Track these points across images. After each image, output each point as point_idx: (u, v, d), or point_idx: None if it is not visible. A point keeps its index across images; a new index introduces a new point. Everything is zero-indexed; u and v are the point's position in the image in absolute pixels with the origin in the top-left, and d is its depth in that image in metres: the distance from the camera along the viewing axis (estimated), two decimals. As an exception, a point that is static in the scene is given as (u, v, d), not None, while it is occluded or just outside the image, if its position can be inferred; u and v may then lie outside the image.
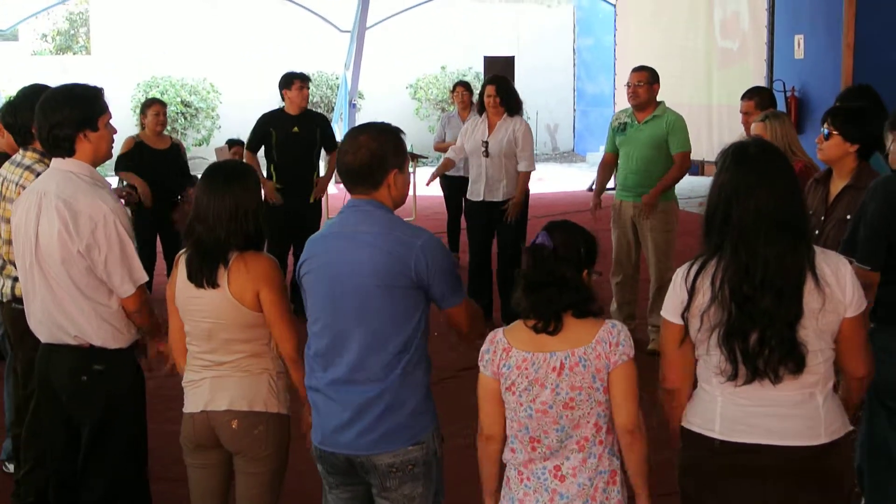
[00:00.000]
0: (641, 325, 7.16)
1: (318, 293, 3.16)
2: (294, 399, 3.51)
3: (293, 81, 8.11)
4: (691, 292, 2.79)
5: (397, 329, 3.07)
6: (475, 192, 7.61)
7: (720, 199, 2.79)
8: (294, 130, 8.09)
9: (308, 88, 8.18)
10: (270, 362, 3.44)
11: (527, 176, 7.47)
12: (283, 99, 8.21)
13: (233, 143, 10.26)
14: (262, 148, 8.15)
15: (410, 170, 11.18)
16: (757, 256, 2.70)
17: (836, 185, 4.27)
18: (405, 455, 3.09)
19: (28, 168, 4.27)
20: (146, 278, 3.70)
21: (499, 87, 7.47)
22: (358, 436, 3.09)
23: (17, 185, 4.24)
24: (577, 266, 2.91)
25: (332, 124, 18.65)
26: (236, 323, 3.36)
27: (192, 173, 8.18)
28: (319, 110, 20.76)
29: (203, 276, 3.35)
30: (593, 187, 8.16)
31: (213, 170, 3.48)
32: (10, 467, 4.92)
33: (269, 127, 8.13)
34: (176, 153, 8.05)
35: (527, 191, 7.53)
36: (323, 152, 8.50)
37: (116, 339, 3.69)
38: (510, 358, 2.90)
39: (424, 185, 8.95)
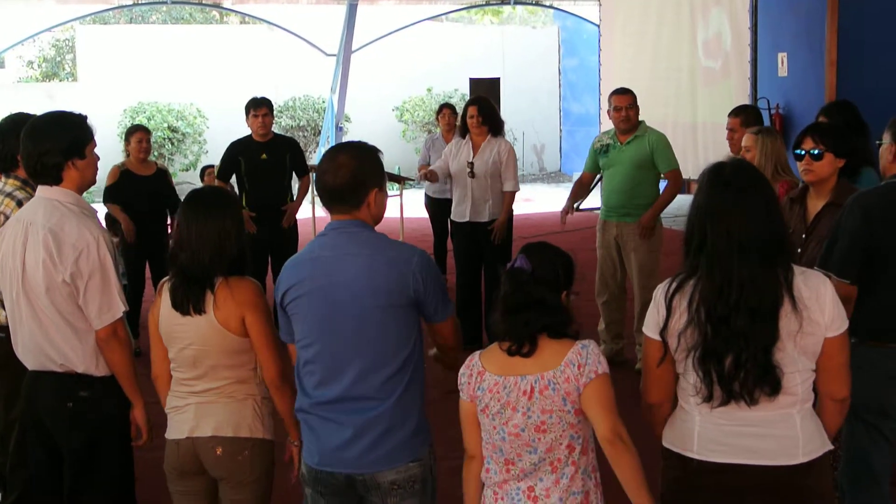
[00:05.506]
0: (629, 345, 7.16)
1: (311, 317, 3.14)
2: (278, 425, 3.49)
3: (248, 110, 8.10)
4: (668, 311, 2.81)
5: (397, 348, 3.08)
6: (460, 214, 7.62)
7: (696, 220, 2.81)
8: (262, 157, 8.06)
9: (268, 116, 8.07)
10: (255, 387, 3.43)
11: (512, 196, 7.49)
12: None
13: (207, 166, 10.43)
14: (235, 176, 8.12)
15: (397, 192, 11.25)
16: (731, 278, 2.71)
17: (815, 204, 4.26)
18: (407, 472, 3.10)
19: (9, 195, 4.28)
20: (122, 311, 3.63)
21: (480, 107, 7.52)
22: (361, 454, 3.08)
23: (-4, 210, 4.24)
24: (556, 288, 2.91)
25: (319, 146, 18.74)
26: (222, 349, 3.35)
27: (181, 198, 8.16)
28: (306, 134, 20.81)
29: (189, 303, 3.34)
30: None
31: (193, 196, 3.47)
32: (-3, 496, 4.89)
33: (237, 155, 8.11)
34: (161, 178, 8.05)
35: (511, 211, 7.56)
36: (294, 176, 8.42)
37: (101, 367, 3.67)
38: (483, 381, 2.91)
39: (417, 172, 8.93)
